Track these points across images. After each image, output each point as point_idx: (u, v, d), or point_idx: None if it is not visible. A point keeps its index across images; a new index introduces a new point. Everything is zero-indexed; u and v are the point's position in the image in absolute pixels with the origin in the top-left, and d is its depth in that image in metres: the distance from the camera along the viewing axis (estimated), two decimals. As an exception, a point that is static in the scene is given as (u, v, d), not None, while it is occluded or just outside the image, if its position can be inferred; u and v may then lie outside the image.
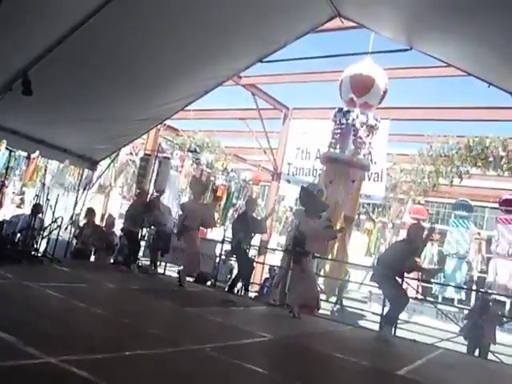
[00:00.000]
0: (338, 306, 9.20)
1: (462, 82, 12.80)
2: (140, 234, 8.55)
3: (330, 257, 8.38)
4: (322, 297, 8.15)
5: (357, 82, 8.93)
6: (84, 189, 9.51)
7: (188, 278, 7.92)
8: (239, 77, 11.28)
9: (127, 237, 8.43)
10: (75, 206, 9.36)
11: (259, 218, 8.39)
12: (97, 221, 10.12)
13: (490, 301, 8.19)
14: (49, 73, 6.22)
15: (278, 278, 8.00)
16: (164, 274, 9.16)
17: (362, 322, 8.34)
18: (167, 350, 3.56)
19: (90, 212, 9.30)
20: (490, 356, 7.11)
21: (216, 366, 3.47)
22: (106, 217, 11.06)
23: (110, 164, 10.89)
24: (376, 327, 6.91)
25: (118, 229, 12.54)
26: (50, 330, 3.53)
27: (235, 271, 7.40)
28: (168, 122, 12.08)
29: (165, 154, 11.91)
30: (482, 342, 7.37)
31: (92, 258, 9.35)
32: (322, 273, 8.72)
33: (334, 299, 9.20)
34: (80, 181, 10.15)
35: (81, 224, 9.32)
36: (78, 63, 6.18)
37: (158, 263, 8.90)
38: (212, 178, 14.16)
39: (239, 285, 7.43)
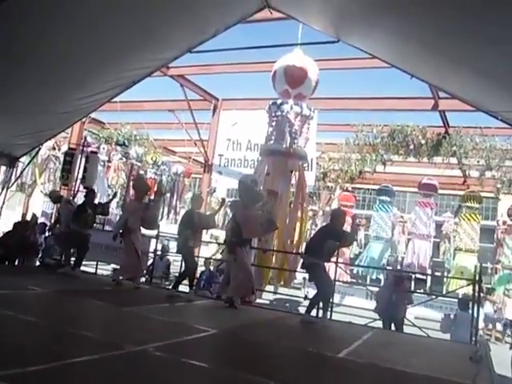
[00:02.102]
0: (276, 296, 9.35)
1: (386, 73, 13.43)
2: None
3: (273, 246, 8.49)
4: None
5: (291, 74, 9.03)
6: (2, 188, 8.83)
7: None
8: (167, 67, 10.98)
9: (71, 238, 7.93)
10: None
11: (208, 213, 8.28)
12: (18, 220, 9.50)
13: (401, 278, 8.69)
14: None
15: (225, 272, 7.96)
16: (96, 273, 8.79)
17: (299, 309, 8.54)
18: (108, 355, 3.40)
19: (22, 225, 8.78)
20: (418, 331, 7.57)
21: (161, 367, 3.38)
22: (28, 216, 10.36)
23: (30, 160, 10.20)
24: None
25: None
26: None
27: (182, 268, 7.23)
28: (93, 115, 11.54)
29: (91, 149, 11.35)
30: (395, 317, 7.83)
31: (16, 262, 8.74)
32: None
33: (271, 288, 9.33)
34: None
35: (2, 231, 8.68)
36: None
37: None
38: (142, 172, 13.75)
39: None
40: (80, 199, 9.70)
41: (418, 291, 13.07)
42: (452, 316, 8.22)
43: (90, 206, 7.88)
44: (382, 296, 8.21)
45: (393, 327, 7.80)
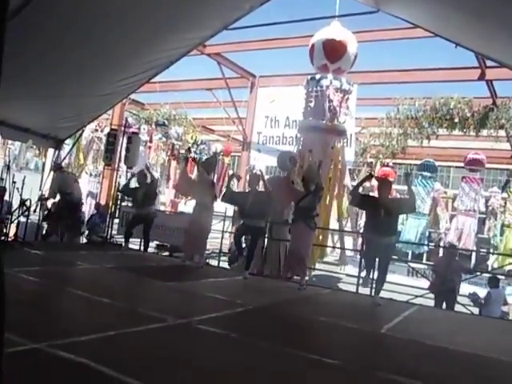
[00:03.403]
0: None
1: (428, 43, 12.90)
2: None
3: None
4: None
5: (330, 48, 8.80)
6: (50, 169, 9.19)
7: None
8: (204, 46, 10.97)
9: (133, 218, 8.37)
10: (41, 187, 9.07)
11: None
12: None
13: (455, 255, 8.48)
14: (4, 49, 5.86)
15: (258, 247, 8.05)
16: (140, 250, 9.07)
17: (339, 285, 8.54)
18: (152, 327, 3.54)
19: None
20: (461, 308, 7.42)
21: (205, 339, 3.49)
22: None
23: (75, 142, 10.54)
24: (352, 288, 7.11)
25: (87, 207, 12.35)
26: (30, 315, 3.44)
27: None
28: (132, 96, 11.73)
29: (133, 129, 11.59)
30: (449, 295, 7.66)
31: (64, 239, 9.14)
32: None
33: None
34: (44, 161, 9.83)
35: (49, 205, 9.06)
36: (35, 37, 5.84)
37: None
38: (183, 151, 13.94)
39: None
40: (123, 180, 10.01)
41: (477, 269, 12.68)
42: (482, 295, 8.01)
43: (141, 186, 8.14)
44: (437, 273, 8.07)
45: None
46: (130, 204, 9.05)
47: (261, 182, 6.97)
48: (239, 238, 7.06)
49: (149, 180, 8.17)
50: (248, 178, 8.43)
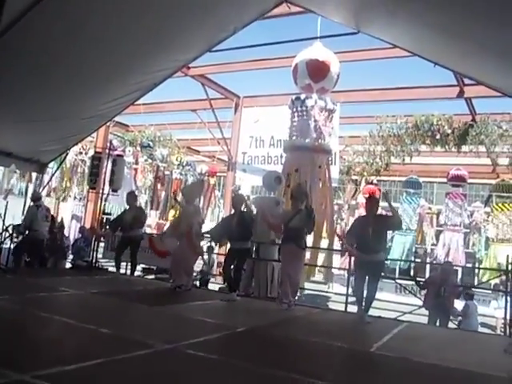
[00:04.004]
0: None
1: (408, 62, 13.21)
2: None
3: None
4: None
5: (314, 68, 8.97)
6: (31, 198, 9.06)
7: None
8: (188, 67, 11.08)
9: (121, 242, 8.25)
10: (23, 212, 8.94)
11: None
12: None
13: (450, 271, 8.53)
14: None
15: (247, 269, 7.97)
16: (125, 273, 8.94)
17: (329, 304, 8.50)
18: (141, 353, 3.47)
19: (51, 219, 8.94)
20: (449, 324, 7.44)
21: (193, 364, 3.42)
22: (58, 221, 10.63)
23: (59, 166, 10.44)
24: (340, 307, 7.08)
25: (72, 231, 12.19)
26: (13, 345, 3.34)
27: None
28: (117, 118, 11.72)
29: (117, 152, 11.55)
30: (443, 312, 7.67)
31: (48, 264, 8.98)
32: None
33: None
34: (27, 185, 9.72)
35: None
36: (19, 61, 5.82)
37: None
38: (167, 173, 13.92)
39: None
40: (110, 202, 9.91)
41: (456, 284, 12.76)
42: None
43: (131, 208, 8.07)
44: (430, 290, 8.09)
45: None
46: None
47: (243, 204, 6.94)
48: (229, 265, 6.84)
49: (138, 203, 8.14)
50: (231, 199, 8.40)
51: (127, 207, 8.38)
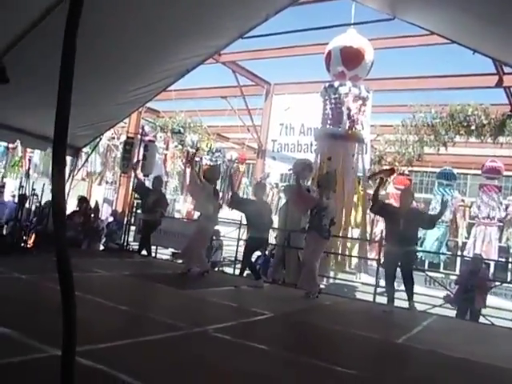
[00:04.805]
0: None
1: (445, 49, 12.84)
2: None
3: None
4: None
5: (348, 55, 8.82)
6: (68, 177, 9.32)
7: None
8: (219, 54, 11.06)
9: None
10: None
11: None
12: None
13: (480, 265, 8.33)
14: (25, 58, 5.99)
15: (276, 255, 8.01)
16: (155, 257, 9.13)
17: (356, 294, 8.46)
18: (169, 335, 3.55)
19: (83, 200, 9.18)
20: (481, 319, 7.29)
21: (221, 348, 3.48)
22: (93, 204, 10.91)
23: (93, 150, 10.68)
24: (368, 297, 7.05)
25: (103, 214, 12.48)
26: (51, 322, 3.45)
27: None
28: (149, 104, 11.85)
29: (149, 137, 11.72)
30: (472, 306, 7.52)
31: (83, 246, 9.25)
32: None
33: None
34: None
35: (68, 212, 9.19)
36: (54, 47, 5.92)
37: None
38: (197, 159, 14.00)
39: None
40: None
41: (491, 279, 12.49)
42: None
43: (155, 192, 8.21)
44: (459, 283, 7.97)
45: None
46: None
47: (268, 192, 6.90)
48: (250, 253, 6.87)
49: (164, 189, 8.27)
50: (253, 187, 8.39)
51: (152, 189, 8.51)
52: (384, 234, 6.13)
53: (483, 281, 7.76)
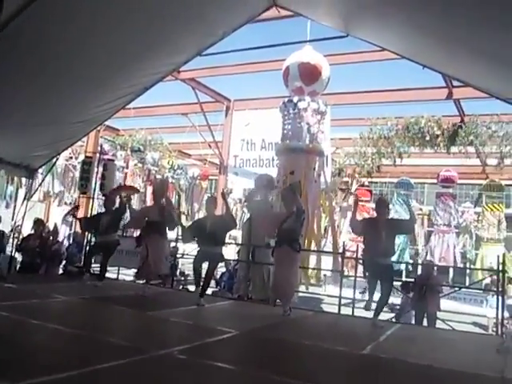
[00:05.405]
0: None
1: (397, 64, 13.31)
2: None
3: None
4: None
5: (305, 71, 8.98)
6: (24, 199, 8.99)
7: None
8: (178, 71, 11.05)
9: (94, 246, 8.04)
10: (14, 218, 8.84)
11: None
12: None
13: (432, 270, 8.60)
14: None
15: (240, 271, 7.93)
16: (117, 278, 8.90)
17: (323, 307, 8.51)
18: (133, 359, 3.44)
19: (39, 223, 8.83)
20: (442, 324, 7.47)
21: (187, 370, 3.40)
22: (52, 226, 10.55)
23: (49, 171, 10.36)
24: (334, 309, 7.09)
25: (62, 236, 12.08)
26: (4, 353, 3.30)
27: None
28: (107, 122, 11.66)
29: (108, 156, 11.50)
30: (427, 310, 7.71)
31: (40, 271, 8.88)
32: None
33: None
34: (17, 190, 9.63)
35: (24, 235, 8.83)
36: (8, 65, 5.77)
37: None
38: (159, 177, 13.88)
39: None
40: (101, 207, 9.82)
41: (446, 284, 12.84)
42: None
43: (107, 211, 7.93)
44: (414, 290, 8.15)
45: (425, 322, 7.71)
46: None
47: (221, 204, 6.81)
48: (198, 265, 6.67)
49: (116, 205, 8.01)
50: (204, 202, 8.26)
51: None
52: (364, 247, 6.08)
53: (433, 286, 7.97)
